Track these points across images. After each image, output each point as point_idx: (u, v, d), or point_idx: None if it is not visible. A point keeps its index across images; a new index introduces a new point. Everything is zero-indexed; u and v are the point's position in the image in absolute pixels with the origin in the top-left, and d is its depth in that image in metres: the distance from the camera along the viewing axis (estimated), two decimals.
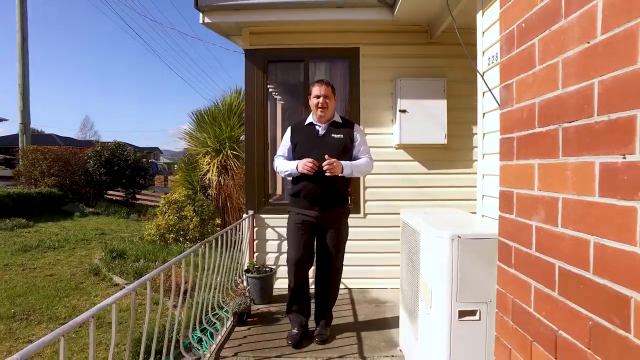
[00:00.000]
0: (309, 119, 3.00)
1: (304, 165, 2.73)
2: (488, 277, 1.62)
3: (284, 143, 3.04)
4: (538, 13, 1.19)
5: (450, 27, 3.47)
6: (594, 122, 0.94)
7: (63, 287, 5.15)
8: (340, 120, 2.99)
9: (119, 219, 11.45)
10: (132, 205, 13.57)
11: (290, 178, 2.97)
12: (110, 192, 13.84)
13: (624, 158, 0.85)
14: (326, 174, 2.70)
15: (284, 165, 2.92)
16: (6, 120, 42.47)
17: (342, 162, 2.76)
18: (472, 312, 1.75)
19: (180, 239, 7.46)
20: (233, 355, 2.72)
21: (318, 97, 2.86)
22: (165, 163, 43.83)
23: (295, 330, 2.91)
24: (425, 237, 2.00)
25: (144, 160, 14.04)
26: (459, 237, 1.71)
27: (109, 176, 12.71)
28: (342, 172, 2.75)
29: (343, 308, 3.56)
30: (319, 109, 2.87)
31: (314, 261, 3.01)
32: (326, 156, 2.69)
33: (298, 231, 2.88)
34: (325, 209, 2.86)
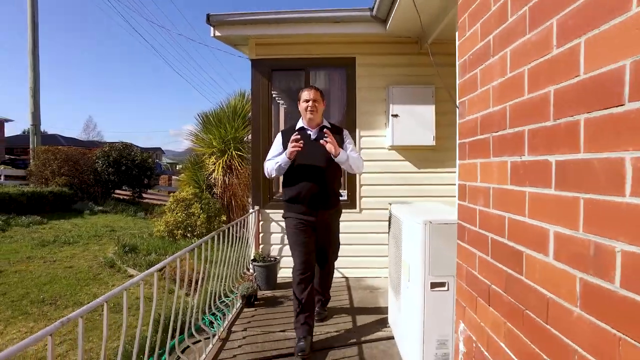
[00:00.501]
0: (299, 124, 3.04)
1: (290, 147, 2.74)
2: (454, 255, 2.02)
3: (275, 148, 3.05)
4: (478, 51, 1.59)
5: (438, 38, 3.88)
6: (506, 133, 1.34)
7: (83, 277, 5.57)
8: (330, 126, 3.05)
9: (126, 217, 11.88)
10: (138, 203, 14.00)
11: (281, 174, 2.98)
12: (117, 191, 14.27)
13: (521, 158, 1.25)
14: (327, 143, 2.72)
15: (273, 161, 2.94)
16: (12, 121, 42.93)
17: (340, 149, 2.83)
18: (442, 284, 2.15)
19: (188, 234, 7.87)
20: (242, 330, 3.13)
21: (307, 101, 2.93)
22: (168, 163, 44.28)
23: (302, 343, 2.71)
24: (405, 224, 2.40)
25: (150, 160, 14.44)
26: (430, 223, 2.12)
27: (117, 176, 13.15)
28: (339, 154, 2.78)
29: (340, 294, 3.95)
30: (308, 112, 2.93)
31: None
32: (322, 142, 2.75)
33: (301, 234, 2.89)
34: (322, 212, 2.93)
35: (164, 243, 7.55)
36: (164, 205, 13.67)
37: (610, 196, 0.86)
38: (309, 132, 2.99)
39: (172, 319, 2.61)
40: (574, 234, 0.98)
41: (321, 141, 2.77)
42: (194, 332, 2.79)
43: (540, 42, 1.14)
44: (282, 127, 5.01)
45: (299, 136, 2.77)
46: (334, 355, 2.71)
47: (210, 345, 2.82)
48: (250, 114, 9.55)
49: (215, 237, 3.15)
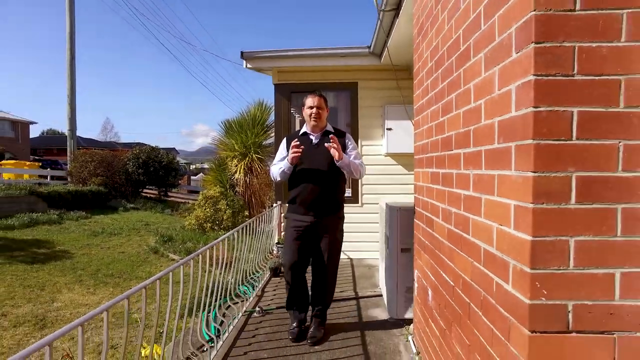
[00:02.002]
0: (303, 129, 3.14)
1: (290, 154, 2.88)
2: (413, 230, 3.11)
3: (280, 152, 3.16)
4: (423, 103, 2.69)
5: None
6: (429, 155, 2.45)
7: (135, 260, 6.79)
8: (333, 130, 3.12)
9: (155, 213, 13.16)
10: (164, 201, 15.32)
11: (285, 179, 3.10)
12: (145, 190, 15.60)
13: (433, 170, 2.35)
14: (331, 150, 2.84)
15: (276, 166, 3.08)
16: (36, 123, 44.91)
17: (344, 155, 2.93)
18: (408, 249, 3.24)
19: (215, 227, 9.07)
20: (273, 290, 4.27)
21: (311, 107, 3.02)
22: (184, 163, 45.83)
23: (294, 325, 3.09)
24: (387, 210, 3.51)
25: (175, 162, 15.74)
26: (400, 209, 3.22)
27: (146, 176, 14.46)
28: (341, 158, 2.87)
29: (345, 270, 5.05)
30: (312, 119, 3.02)
31: (310, 263, 3.19)
32: (326, 144, 2.88)
33: (293, 237, 3.02)
34: (320, 215, 2.98)
35: (195, 234, 8.76)
36: (187, 202, 14.98)
37: (473, 192, 1.96)
38: (311, 136, 3.08)
39: (216, 287, 3.63)
40: (452, 209, 2.08)
41: (326, 145, 2.87)
42: (232, 296, 3.89)
43: (447, 106, 2.24)
44: None
45: (298, 142, 2.88)
46: (339, 305, 3.82)
47: (251, 298, 3.96)
48: (268, 121, 10.76)
49: (246, 227, 4.23)
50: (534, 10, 1.14)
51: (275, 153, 5.83)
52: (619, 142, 1.13)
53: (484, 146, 1.53)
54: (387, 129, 5.43)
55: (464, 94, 1.78)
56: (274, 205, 5.65)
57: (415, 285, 2.92)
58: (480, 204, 1.58)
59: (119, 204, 13.36)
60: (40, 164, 20.94)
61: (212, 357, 2.78)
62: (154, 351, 2.29)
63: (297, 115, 6.37)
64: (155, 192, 15.69)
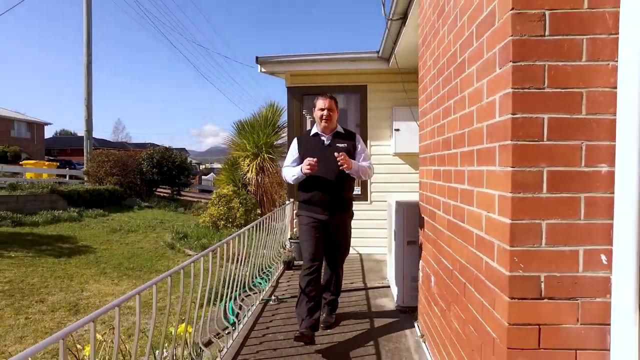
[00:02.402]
0: (314, 130, 3.19)
1: (305, 165, 2.92)
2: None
3: (291, 154, 3.22)
4: (427, 107, 2.95)
5: None
6: (441, 154, 2.70)
7: (154, 255, 7.13)
8: (343, 131, 3.20)
9: (169, 212, 13.54)
10: (177, 200, 15.71)
11: (297, 183, 3.17)
12: (158, 189, 16.00)
13: (436, 167, 2.61)
14: (340, 163, 2.87)
15: (290, 171, 3.13)
16: (50, 124, 45.87)
17: (352, 162, 2.98)
18: (414, 242, 3.49)
19: (229, 225, 9.38)
20: (287, 282, 4.55)
21: (322, 109, 3.07)
22: (195, 163, 46.41)
23: (304, 330, 2.86)
24: (394, 207, 3.77)
25: (188, 162, 16.12)
26: (406, 204, 3.48)
27: (160, 176, 14.86)
28: (350, 168, 2.94)
29: (354, 264, 5.31)
30: (323, 120, 3.07)
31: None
32: (335, 154, 2.90)
33: (311, 230, 3.06)
34: (332, 213, 3.07)
35: (209, 232, 9.08)
36: (200, 201, 15.34)
37: (467, 186, 2.22)
38: (322, 137, 3.15)
39: (233, 279, 3.89)
40: (450, 202, 2.34)
41: (336, 155, 2.89)
42: (246, 289, 4.16)
43: (446, 111, 2.50)
44: None
45: (313, 161, 2.89)
46: (349, 295, 4.08)
47: (266, 289, 4.25)
48: (279, 122, 11.05)
49: (260, 223, 4.50)
50: (512, 36, 1.39)
51: (286, 153, 6.13)
52: (582, 143, 1.39)
53: (476, 146, 1.79)
54: (395, 129, 5.69)
55: (460, 100, 2.04)
56: (287, 202, 5.93)
57: (420, 274, 3.17)
58: (473, 195, 1.83)
59: (134, 203, 13.76)
60: (58, 164, 21.52)
61: (234, 338, 3.07)
62: (183, 329, 2.58)
63: (308, 117, 6.65)
64: (169, 191, 16.11)
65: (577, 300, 1.40)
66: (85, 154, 15.28)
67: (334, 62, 5.56)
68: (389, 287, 4.28)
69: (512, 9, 1.39)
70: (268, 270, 4.78)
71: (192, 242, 8.14)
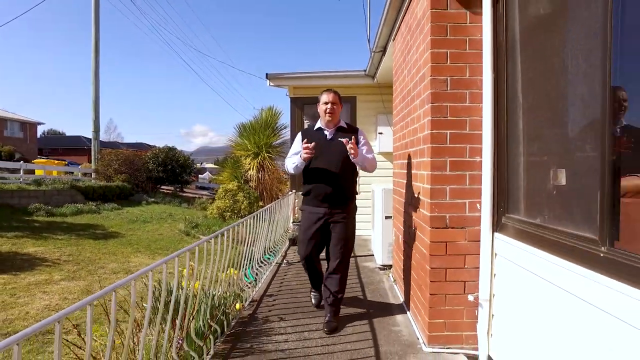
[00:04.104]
0: (318, 124, 3.25)
1: (303, 151, 2.99)
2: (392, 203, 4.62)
3: (295, 147, 3.28)
4: (397, 119, 4.23)
5: None
6: (404, 151, 3.97)
7: (173, 239, 8.29)
8: (346, 126, 3.26)
9: (174, 206, 14.65)
10: (180, 196, 16.82)
11: (298, 172, 3.25)
12: (162, 186, 17.10)
13: (402, 161, 3.88)
14: (350, 152, 2.92)
15: (291, 160, 3.23)
16: (43, 123, 46.20)
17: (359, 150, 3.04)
18: (390, 217, 4.76)
19: (234, 216, 10.56)
20: (293, 253, 5.79)
21: (326, 103, 3.13)
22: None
23: (313, 303, 3.59)
24: (376, 192, 5.04)
25: (190, 161, 17.25)
26: (384, 189, 4.75)
27: (165, 173, 15.97)
28: (357, 155, 2.99)
29: None
30: (327, 114, 3.12)
31: (323, 250, 3.41)
32: (344, 140, 2.94)
33: (308, 230, 3.19)
34: (334, 206, 3.12)
35: (217, 221, 10.26)
36: (201, 197, 16.45)
37: (415, 171, 3.48)
38: (325, 132, 3.19)
39: (251, 252, 5.10)
40: (408, 182, 3.61)
41: (344, 140, 2.95)
42: (259, 262, 5.38)
43: (406, 124, 3.76)
44: None
45: (308, 141, 2.98)
46: None
47: (277, 259, 5.48)
48: (277, 124, 12.25)
49: (268, 209, 5.76)
50: (430, 90, 2.66)
51: (285, 152, 7.35)
52: (466, 146, 2.66)
53: (418, 147, 3.06)
54: (379, 133, 6.96)
55: (411, 119, 3.31)
56: (289, 193, 7.16)
57: (393, 238, 4.45)
58: (417, 176, 3.11)
59: (141, 198, 14.84)
60: (66, 162, 22.50)
61: (257, 288, 4.28)
62: (230, 272, 3.79)
63: (308, 123, 7.90)
64: (171, 188, 17.22)
65: (464, 228, 2.68)
66: (92, 153, 16.30)
67: (329, 78, 6.82)
68: (372, 255, 5.55)
69: (431, 76, 2.66)
70: (276, 248, 6.00)
71: (203, 229, 9.31)
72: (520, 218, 2.24)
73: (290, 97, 7.25)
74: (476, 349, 2.64)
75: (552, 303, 1.85)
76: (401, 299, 3.78)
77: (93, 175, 15.92)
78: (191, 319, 2.58)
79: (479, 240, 2.62)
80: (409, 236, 3.40)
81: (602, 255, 1.54)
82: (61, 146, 48.60)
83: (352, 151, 2.94)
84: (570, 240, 1.74)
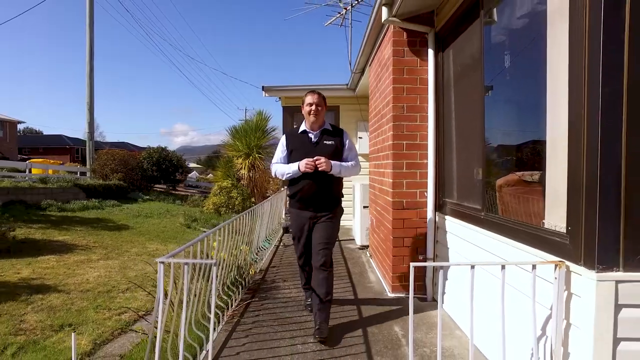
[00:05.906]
0: (302, 127, 3.19)
1: (305, 164, 2.96)
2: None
3: (280, 150, 3.24)
4: (372, 129, 5.38)
5: None
6: (377, 155, 5.12)
7: (177, 231, 9.27)
8: (331, 128, 3.22)
9: (169, 204, 15.51)
10: (173, 194, 17.67)
11: (286, 180, 3.20)
12: (156, 185, 17.92)
13: (375, 162, 5.03)
14: (319, 168, 2.91)
15: (283, 168, 3.14)
16: (24, 122, 45.86)
17: (332, 161, 2.98)
18: (367, 207, 5.91)
19: (229, 211, 11.57)
20: (287, 239, 6.88)
21: (311, 104, 3.09)
22: None
23: (309, 301, 3.51)
24: (355, 187, 6.19)
25: (183, 160, 18.12)
26: (362, 184, 5.90)
27: (159, 172, 16.81)
28: (331, 169, 2.96)
29: None
30: (312, 115, 3.08)
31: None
32: (313, 161, 2.93)
33: (298, 232, 3.24)
34: (319, 210, 3.11)
35: (214, 216, 11.25)
36: (193, 195, 17.34)
37: (384, 169, 4.64)
38: (310, 134, 3.16)
39: (258, 233, 6.20)
40: (379, 178, 4.76)
41: (316, 163, 2.93)
42: (257, 248, 6.45)
43: (378, 134, 4.91)
44: None
45: (312, 162, 2.95)
46: None
47: (273, 246, 6.57)
48: (267, 127, 13.27)
49: (264, 204, 6.83)
50: (392, 113, 3.81)
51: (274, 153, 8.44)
52: (417, 152, 3.82)
53: (386, 152, 4.20)
54: (359, 137, 8.12)
55: (381, 131, 4.46)
56: (282, 189, 8.26)
57: (369, 222, 5.60)
58: (384, 173, 4.25)
59: (137, 196, 15.64)
60: (61, 162, 23.06)
61: (263, 261, 5.37)
62: (243, 248, 4.86)
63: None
64: (164, 187, 18.05)
65: (416, 209, 3.83)
66: (88, 153, 17.01)
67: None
68: (354, 239, 6.70)
69: (393, 103, 3.81)
70: (273, 235, 7.09)
71: (202, 223, 10.30)
72: (452, 201, 3.42)
73: (283, 106, 8.33)
74: (425, 294, 3.80)
75: (464, 253, 3.03)
76: (374, 267, 4.93)
77: (88, 174, 16.64)
78: (229, 272, 3.68)
79: (426, 218, 3.79)
80: (379, 217, 4.55)
81: (482, 217, 2.71)
82: (42, 145, 48.09)
83: (323, 166, 2.94)
84: (469, 211, 2.92)
